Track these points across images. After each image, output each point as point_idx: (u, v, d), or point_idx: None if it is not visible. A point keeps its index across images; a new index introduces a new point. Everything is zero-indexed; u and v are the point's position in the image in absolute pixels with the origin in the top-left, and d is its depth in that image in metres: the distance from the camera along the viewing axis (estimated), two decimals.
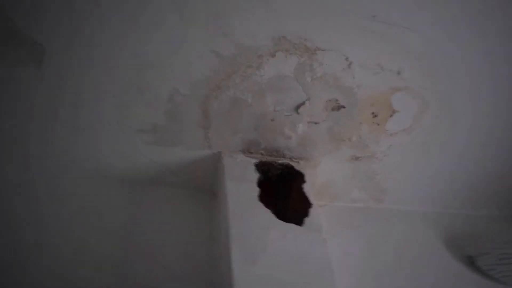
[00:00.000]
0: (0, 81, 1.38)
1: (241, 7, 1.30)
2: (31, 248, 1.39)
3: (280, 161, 1.62)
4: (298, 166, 1.62)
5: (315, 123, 1.56)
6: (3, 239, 1.39)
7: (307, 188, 1.55)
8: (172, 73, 1.39)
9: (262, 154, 1.62)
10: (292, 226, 1.41)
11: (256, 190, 1.48)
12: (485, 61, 1.52)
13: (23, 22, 1.28)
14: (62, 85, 1.41)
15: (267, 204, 1.44)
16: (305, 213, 1.47)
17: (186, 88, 1.42)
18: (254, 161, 1.58)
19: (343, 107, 1.53)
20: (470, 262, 1.73)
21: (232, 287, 1.22)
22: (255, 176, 1.53)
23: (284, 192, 1.61)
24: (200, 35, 1.33)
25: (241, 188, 1.47)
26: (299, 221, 1.43)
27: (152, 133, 1.51)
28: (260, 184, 1.51)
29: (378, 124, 1.60)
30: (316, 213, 1.47)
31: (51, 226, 1.47)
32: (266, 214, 1.41)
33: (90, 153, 1.58)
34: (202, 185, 1.69)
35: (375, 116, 1.58)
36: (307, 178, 1.58)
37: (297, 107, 1.51)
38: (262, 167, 1.58)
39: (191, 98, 1.45)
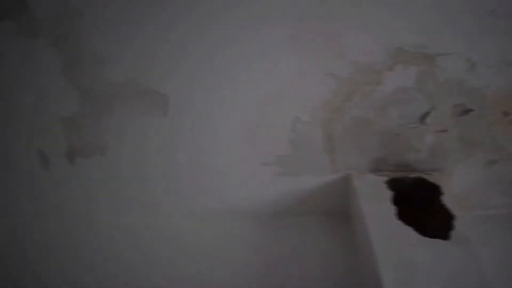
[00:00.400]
0: (133, 129, 1.48)
1: (354, 26, 1.29)
2: None
3: (411, 176, 1.56)
4: (431, 178, 1.55)
5: (444, 131, 1.49)
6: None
7: (446, 199, 1.48)
8: (292, 102, 1.41)
9: (391, 170, 1.57)
10: (438, 241, 1.33)
11: (392, 209, 1.43)
12: None
13: (151, 78, 1.37)
14: (187, 129, 1.47)
15: (407, 222, 1.39)
16: (449, 227, 1.39)
17: (307, 114, 1.43)
18: (385, 179, 1.53)
19: (472, 110, 1.45)
20: None
21: None
22: (388, 194, 1.48)
23: (420, 207, 1.54)
24: (314, 60, 1.34)
25: (377, 208, 1.43)
26: (444, 236, 1.35)
27: (278, 164, 1.53)
28: (395, 202, 1.47)
29: None
30: (460, 225, 1.39)
31: (190, 270, 1.51)
32: (409, 232, 1.36)
33: (218, 193, 1.63)
34: (333, 210, 1.67)
35: (507, 114, 1.48)
36: (443, 189, 1.51)
37: (422, 118, 1.46)
38: (393, 184, 1.53)
39: (313, 124, 1.45)
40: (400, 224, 1.38)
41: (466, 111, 1.46)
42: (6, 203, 1.67)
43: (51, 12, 1.27)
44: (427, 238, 1.34)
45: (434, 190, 1.52)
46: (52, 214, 1.67)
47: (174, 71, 1.36)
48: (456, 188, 1.59)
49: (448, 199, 1.48)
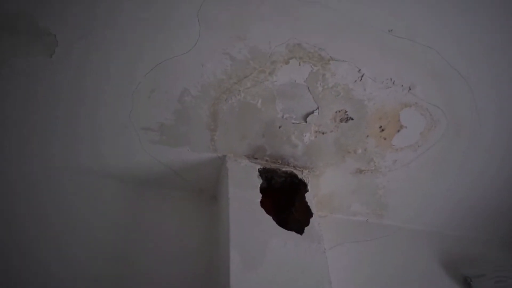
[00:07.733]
0: (13, 69, 1.35)
1: (261, 13, 1.29)
2: (30, 244, 1.38)
3: (284, 169, 1.61)
4: (301, 175, 1.61)
5: (323, 133, 1.55)
6: (2, 235, 1.37)
7: (309, 197, 1.54)
8: (184, 73, 1.38)
9: (267, 160, 1.60)
10: (293, 234, 1.40)
11: (258, 196, 1.47)
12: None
13: (43, 15, 1.26)
14: (70, 79, 1.38)
15: (269, 211, 1.43)
16: (306, 223, 1.46)
17: (197, 89, 1.41)
18: (258, 167, 1.57)
19: (352, 119, 1.53)
20: (466, 283, 1.73)
21: None
22: (258, 182, 1.52)
23: (286, 200, 1.60)
24: (215, 36, 1.32)
25: (244, 193, 1.46)
26: (300, 230, 1.42)
27: (159, 132, 1.50)
28: (263, 190, 1.50)
29: (385, 139, 1.60)
30: (317, 223, 1.46)
31: (51, 223, 1.45)
32: (267, 221, 1.40)
33: (92, 151, 1.56)
34: (204, 188, 1.68)
35: (383, 130, 1.58)
36: (310, 187, 1.58)
37: (306, 116, 1.51)
38: (266, 174, 1.58)
39: (201, 99, 1.43)
40: (262, 212, 1.42)
41: (347, 119, 1.53)
42: None
43: None
44: (283, 230, 1.40)
45: (301, 187, 1.58)
46: None
47: (70, 12, 1.26)
48: (322, 189, 1.67)
49: (312, 198, 1.55)
